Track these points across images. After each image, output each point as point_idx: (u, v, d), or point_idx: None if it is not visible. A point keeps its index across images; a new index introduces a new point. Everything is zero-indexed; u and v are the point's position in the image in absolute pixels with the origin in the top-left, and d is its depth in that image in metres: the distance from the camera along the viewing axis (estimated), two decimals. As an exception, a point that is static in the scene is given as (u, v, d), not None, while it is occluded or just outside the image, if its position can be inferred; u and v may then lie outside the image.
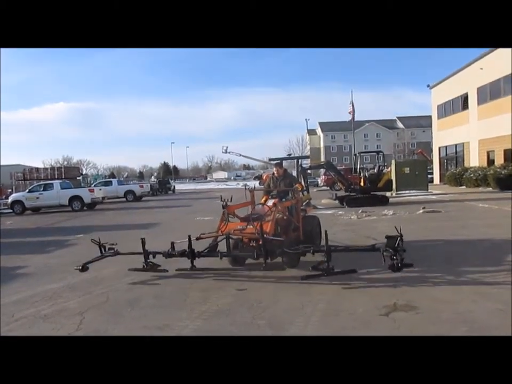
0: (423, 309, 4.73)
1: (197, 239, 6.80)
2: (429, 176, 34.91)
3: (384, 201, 17.48)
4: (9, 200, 24.24)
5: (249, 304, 5.24)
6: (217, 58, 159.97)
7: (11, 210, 23.34)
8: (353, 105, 40.08)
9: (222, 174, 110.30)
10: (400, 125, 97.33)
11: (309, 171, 21.22)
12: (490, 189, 22.58)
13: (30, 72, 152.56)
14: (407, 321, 4.40)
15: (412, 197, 21.02)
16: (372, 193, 18.06)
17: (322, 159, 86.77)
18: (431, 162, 35.23)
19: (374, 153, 21.84)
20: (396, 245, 5.66)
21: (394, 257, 5.55)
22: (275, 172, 8.48)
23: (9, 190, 33.95)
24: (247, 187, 8.38)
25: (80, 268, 6.68)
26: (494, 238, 8.83)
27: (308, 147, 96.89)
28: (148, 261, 6.77)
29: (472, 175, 24.88)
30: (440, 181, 32.50)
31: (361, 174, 18.67)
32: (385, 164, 20.01)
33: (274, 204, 7.19)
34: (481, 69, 26.23)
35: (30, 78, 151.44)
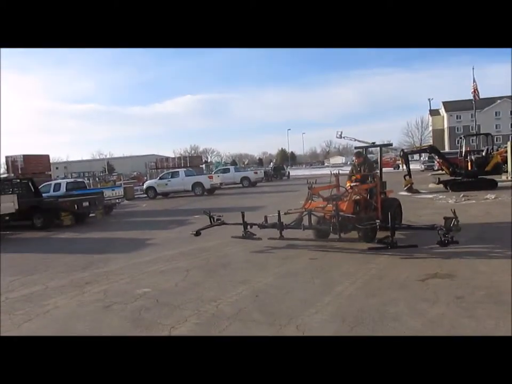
0: (460, 277, 5.49)
1: (285, 213, 8.18)
2: None
3: (492, 185, 16.88)
4: (144, 186, 28.23)
5: (314, 269, 6.46)
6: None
7: (146, 195, 27.21)
8: (475, 83, 37.65)
9: (340, 159, 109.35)
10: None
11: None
12: None
13: (161, 70, 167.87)
14: (439, 286, 5.23)
15: (529, 180, 19.70)
16: (479, 177, 17.54)
17: (446, 141, 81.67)
18: None
19: (483, 136, 20.89)
20: (450, 225, 6.41)
21: (447, 235, 6.32)
22: (355, 160, 9.43)
23: (145, 178, 39.06)
24: (332, 172, 9.49)
25: (195, 232, 8.59)
26: None
27: (430, 128, 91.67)
28: (247, 230, 8.33)
29: None
30: None
31: (467, 158, 18.18)
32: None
33: (351, 187, 8.29)
34: None
35: (161, 75, 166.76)
